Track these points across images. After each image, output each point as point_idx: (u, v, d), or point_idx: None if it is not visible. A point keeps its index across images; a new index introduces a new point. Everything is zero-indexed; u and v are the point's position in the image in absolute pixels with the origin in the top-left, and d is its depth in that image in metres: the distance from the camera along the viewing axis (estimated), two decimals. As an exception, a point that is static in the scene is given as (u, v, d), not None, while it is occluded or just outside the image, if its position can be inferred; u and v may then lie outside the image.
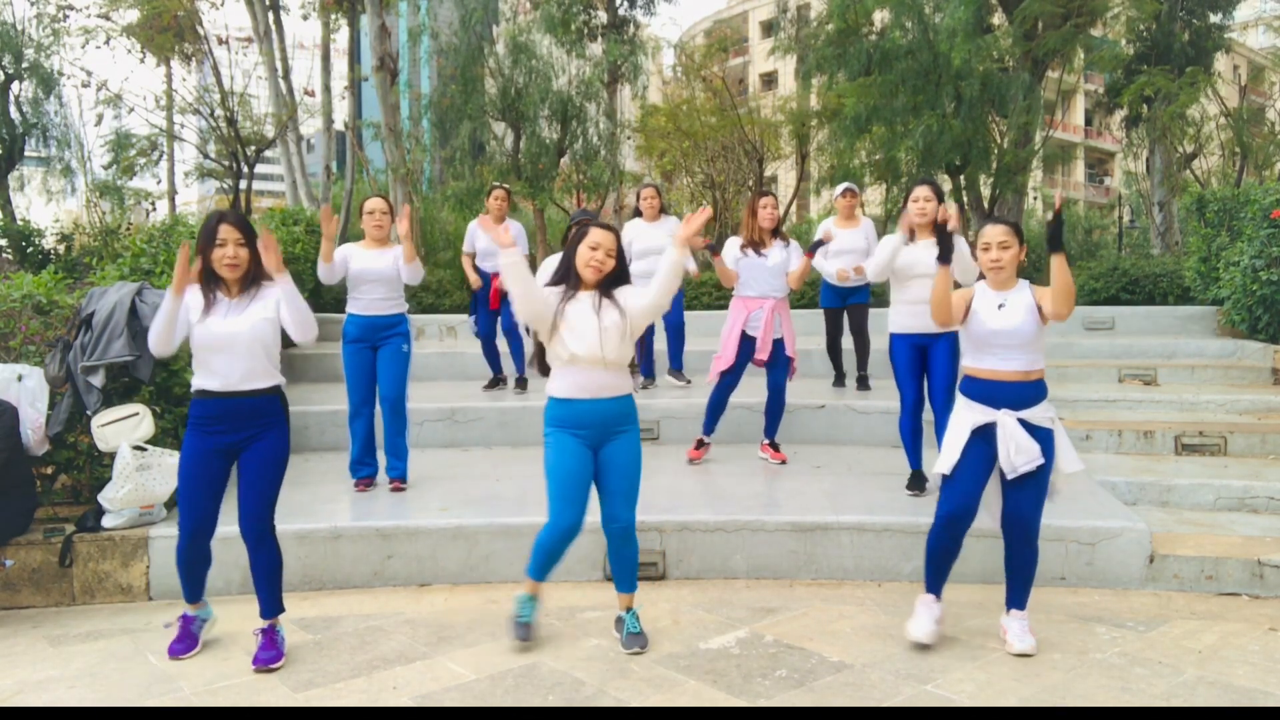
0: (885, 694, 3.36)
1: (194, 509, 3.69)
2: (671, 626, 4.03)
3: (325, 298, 9.91)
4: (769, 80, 38.36)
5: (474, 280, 7.51)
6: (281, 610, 3.81)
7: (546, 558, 3.75)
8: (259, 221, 11.35)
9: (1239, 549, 4.53)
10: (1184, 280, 10.13)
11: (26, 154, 17.77)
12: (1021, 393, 3.73)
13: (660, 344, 7.66)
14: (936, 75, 12.03)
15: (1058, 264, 3.63)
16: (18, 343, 4.97)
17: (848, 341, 7.57)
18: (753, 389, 6.09)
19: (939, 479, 3.83)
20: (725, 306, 10.24)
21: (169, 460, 4.69)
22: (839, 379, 7.49)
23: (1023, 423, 3.70)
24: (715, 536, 4.69)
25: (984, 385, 3.77)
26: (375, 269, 5.38)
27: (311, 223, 10.33)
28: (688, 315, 7.91)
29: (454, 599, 4.46)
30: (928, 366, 5.14)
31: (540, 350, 3.74)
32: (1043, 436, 3.71)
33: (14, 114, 16.82)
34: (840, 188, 7.65)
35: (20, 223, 14.70)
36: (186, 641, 3.84)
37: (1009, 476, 3.70)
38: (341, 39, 17.92)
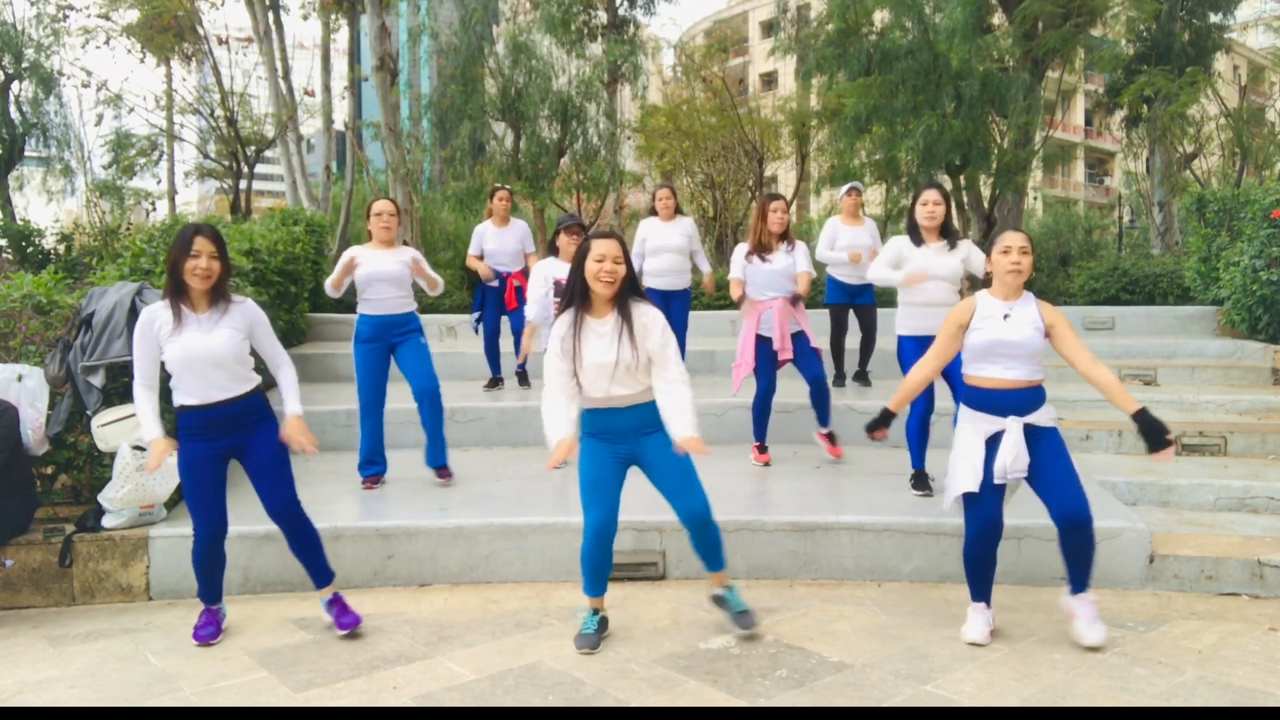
0: (885, 694, 3.36)
1: (208, 512, 3.83)
2: (671, 626, 4.03)
3: (325, 298, 9.88)
4: (769, 80, 38.36)
5: (485, 271, 7.50)
6: (334, 574, 4.08)
7: (592, 568, 3.79)
8: (259, 221, 11.37)
9: (1239, 549, 4.53)
10: (1184, 280, 10.13)
11: (26, 154, 17.77)
12: (1025, 399, 3.76)
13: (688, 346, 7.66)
14: (936, 75, 12.02)
15: (1124, 406, 3.83)
16: (18, 343, 4.97)
17: (851, 341, 7.58)
18: (749, 390, 6.08)
19: (957, 494, 3.80)
20: (724, 307, 10.28)
21: (169, 460, 4.66)
22: (839, 378, 7.49)
23: (1029, 426, 3.74)
24: (715, 536, 4.68)
25: (988, 395, 3.79)
26: (384, 270, 5.42)
27: (311, 222, 10.33)
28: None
29: (454, 599, 4.46)
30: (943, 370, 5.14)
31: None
32: (1050, 435, 3.77)
33: (14, 114, 16.82)
34: (845, 187, 7.68)
35: (20, 223, 14.70)
36: (212, 627, 3.95)
37: (996, 481, 3.71)
38: (341, 39, 17.92)
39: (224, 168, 17.83)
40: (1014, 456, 3.68)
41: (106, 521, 4.65)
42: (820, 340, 6.13)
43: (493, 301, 7.57)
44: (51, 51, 16.93)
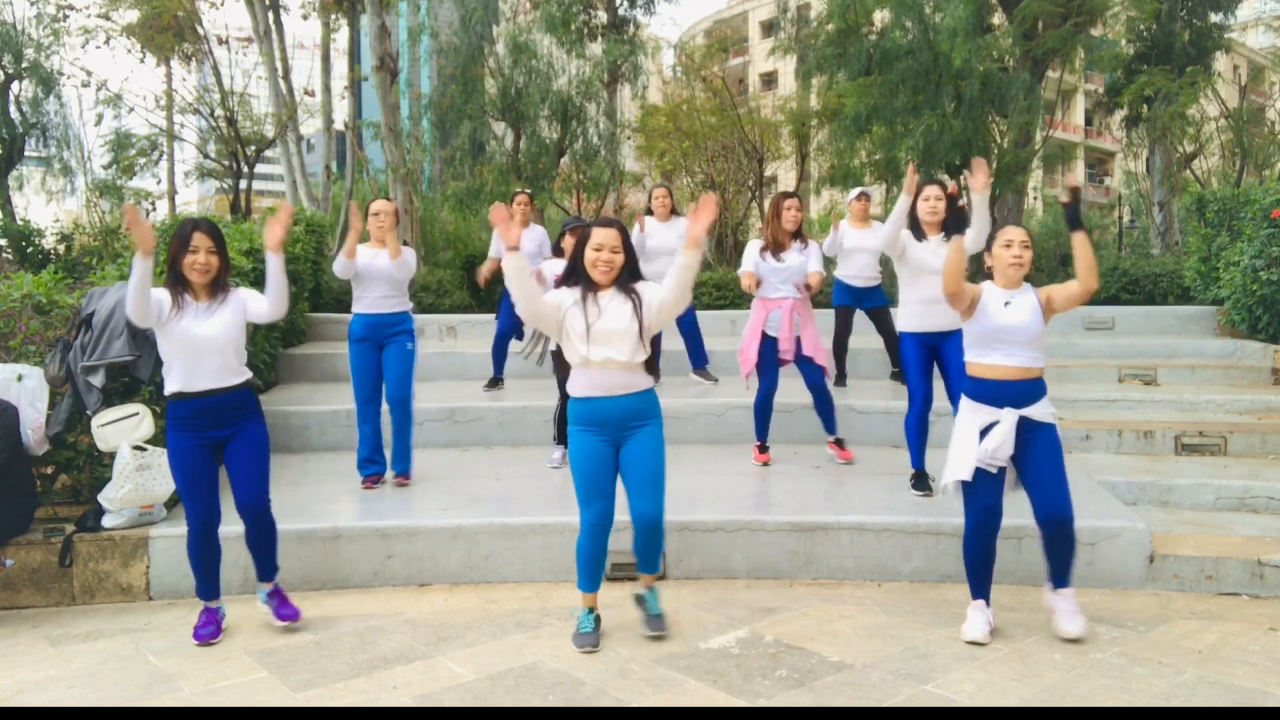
0: (885, 694, 3.36)
1: (200, 502, 3.87)
2: (671, 626, 4.03)
3: (325, 297, 9.91)
4: (769, 80, 38.34)
5: (484, 272, 7.58)
6: (278, 569, 4.16)
7: (588, 561, 3.79)
8: (260, 221, 11.36)
9: (1239, 549, 4.53)
10: (1184, 280, 10.12)
11: (26, 154, 17.78)
12: (1024, 390, 3.82)
13: (678, 344, 7.64)
14: (936, 75, 12.01)
15: (1080, 241, 3.78)
16: (18, 343, 4.97)
17: (855, 342, 7.59)
18: (749, 389, 6.08)
19: (957, 486, 3.86)
20: (725, 306, 10.28)
21: (168, 461, 4.68)
22: (841, 378, 7.49)
23: (1026, 419, 3.78)
24: (715, 536, 4.68)
25: (988, 385, 3.85)
26: (378, 267, 5.45)
27: (312, 222, 10.32)
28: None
29: (454, 599, 4.46)
30: (941, 365, 5.17)
31: (554, 355, 3.77)
32: (1047, 431, 3.82)
33: (14, 114, 16.82)
34: (855, 191, 7.71)
35: (20, 223, 14.70)
36: (212, 627, 3.97)
37: (976, 463, 3.77)
38: (341, 39, 17.89)
39: (224, 168, 17.82)
40: (997, 444, 3.75)
41: (106, 521, 4.65)
42: (826, 342, 6.14)
43: (509, 305, 7.57)
44: (51, 51, 16.94)
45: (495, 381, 7.65)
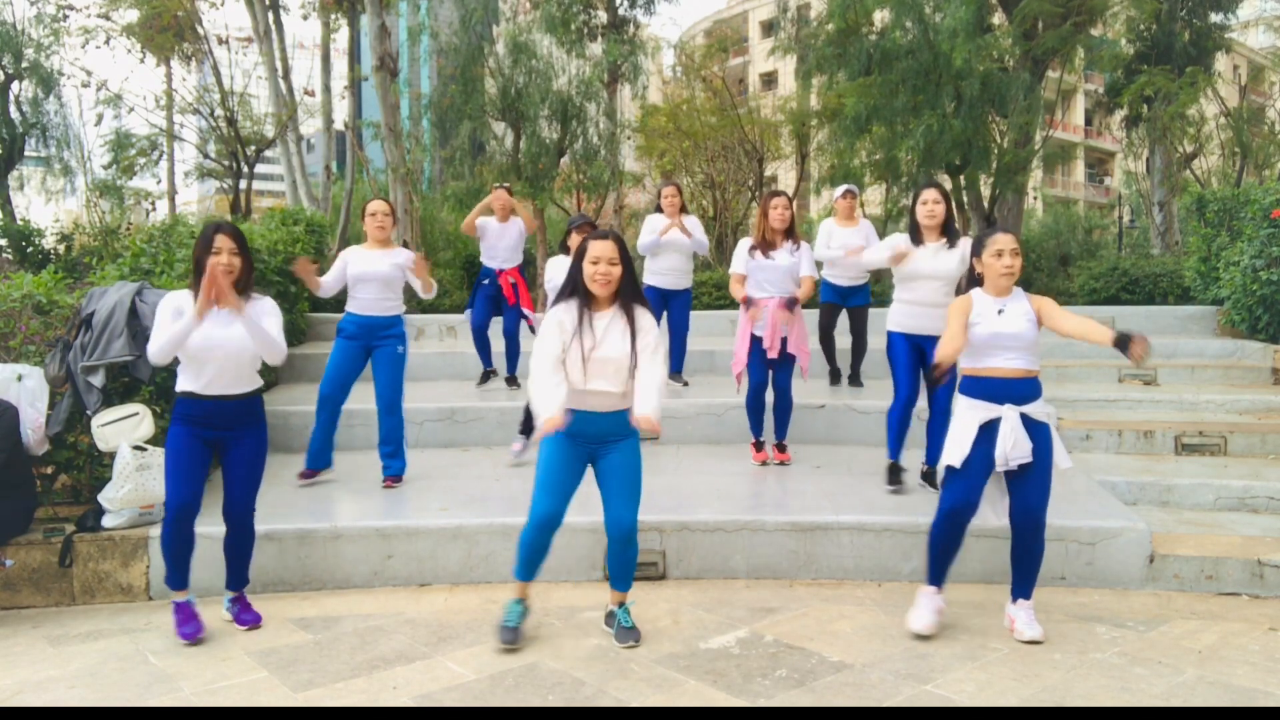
0: (885, 694, 3.36)
1: (182, 491, 3.87)
2: (671, 626, 4.03)
3: (325, 298, 9.86)
4: (769, 80, 38.35)
5: (479, 210, 7.62)
6: (249, 582, 4.21)
7: (528, 552, 3.77)
8: (259, 221, 11.36)
9: (1239, 549, 4.53)
10: (1184, 280, 10.12)
11: (26, 154, 17.77)
12: (1023, 389, 3.85)
13: (693, 345, 7.65)
14: (937, 75, 12.02)
15: (1102, 339, 3.71)
16: (18, 343, 4.97)
17: (843, 340, 7.59)
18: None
19: (945, 472, 3.90)
20: (724, 306, 10.28)
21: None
22: (835, 375, 7.50)
23: (1023, 417, 3.80)
24: (715, 536, 4.69)
25: (988, 383, 3.87)
26: (375, 270, 5.44)
27: (311, 222, 10.32)
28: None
29: (454, 599, 4.46)
30: (926, 366, 5.17)
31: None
32: (1042, 431, 3.84)
33: (14, 114, 16.82)
34: (840, 189, 7.70)
35: (20, 223, 14.70)
36: (194, 624, 3.96)
37: (999, 469, 3.81)
38: (341, 39, 17.90)
39: (224, 168, 17.82)
40: (1013, 443, 3.76)
41: (106, 521, 4.65)
42: (814, 342, 6.15)
43: (486, 297, 7.59)
44: (51, 51, 16.93)
45: (487, 375, 7.64)
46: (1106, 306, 9.67)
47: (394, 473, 5.53)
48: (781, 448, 5.99)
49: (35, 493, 4.74)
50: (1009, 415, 3.79)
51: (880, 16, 13.14)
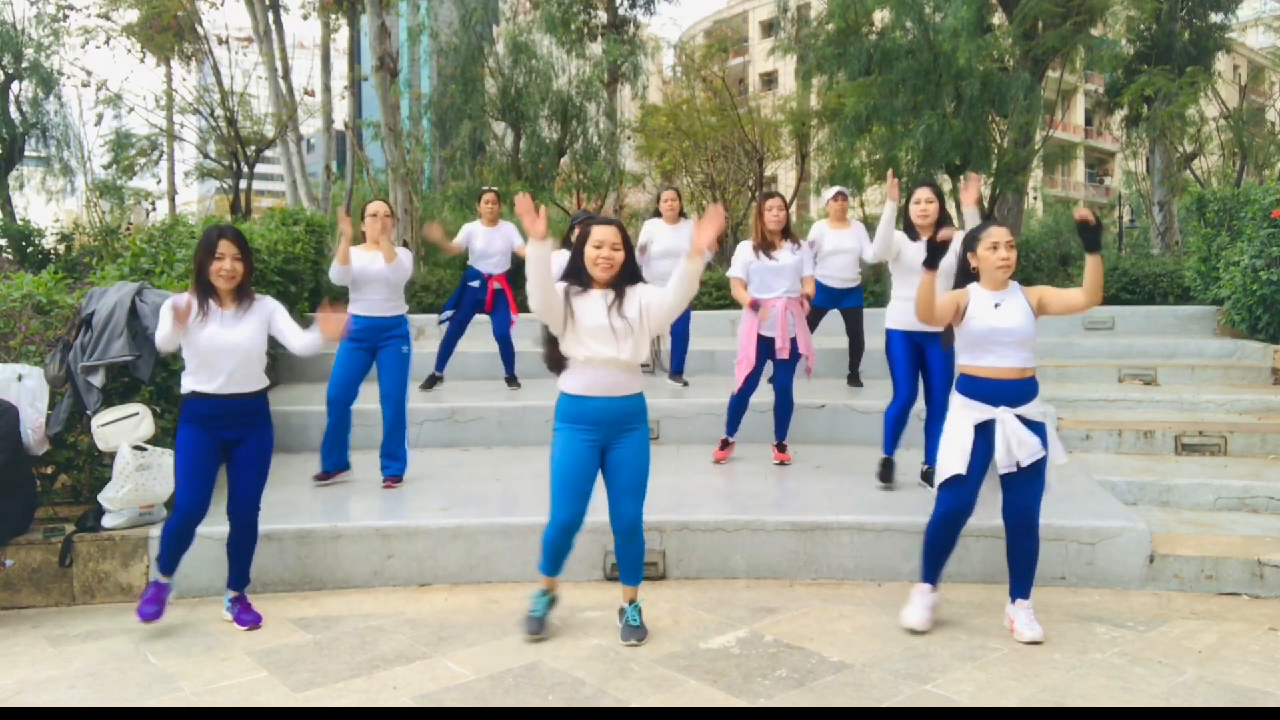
0: (885, 694, 3.36)
1: (193, 493, 3.93)
2: (671, 626, 4.03)
3: (325, 297, 9.86)
4: (769, 80, 38.35)
5: (453, 248, 7.52)
6: (250, 581, 4.25)
7: (553, 551, 3.82)
8: (259, 221, 11.36)
9: (1239, 549, 4.53)
10: (1184, 280, 10.12)
11: (26, 154, 17.78)
12: (1019, 389, 3.83)
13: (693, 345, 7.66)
14: (937, 75, 12.02)
15: (1094, 263, 3.75)
16: (18, 343, 4.96)
17: (841, 342, 7.60)
18: (762, 389, 6.09)
19: (945, 477, 3.86)
20: (724, 307, 10.27)
21: (169, 460, 4.68)
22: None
23: (1020, 418, 3.80)
24: (715, 536, 4.68)
25: (983, 383, 3.85)
26: (375, 270, 5.44)
27: (311, 222, 10.32)
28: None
29: (454, 599, 4.46)
30: (925, 365, 5.18)
31: (550, 347, 3.76)
32: (1038, 430, 3.84)
33: (14, 114, 16.83)
34: (831, 191, 7.73)
35: (20, 223, 14.71)
36: (158, 605, 4.02)
37: (1003, 471, 3.79)
38: (341, 39, 17.91)
39: (224, 168, 17.83)
40: (1017, 443, 3.75)
41: (106, 521, 4.65)
42: (817, 341, 6.15)
43: (470, 302, 7.54)
44: (51, 51, 16.95)
45: (433, 379, 7.50)
46: (1107, 306, 9.66)
47: (394, 473, 5.52)
48: (781, 447, 5.99)
49: (35, 493, 4.74)
50: (1004, 418, 3.77)
51: (880, 16, 13.14)
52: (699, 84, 18.46)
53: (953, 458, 3.82)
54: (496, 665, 3.63)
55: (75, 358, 4.78)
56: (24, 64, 16.56)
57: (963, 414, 3.87)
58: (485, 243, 7.52)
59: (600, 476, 3.80)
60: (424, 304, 11.27)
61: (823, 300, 7.40)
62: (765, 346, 5.75)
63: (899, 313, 5.20)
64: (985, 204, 13.56)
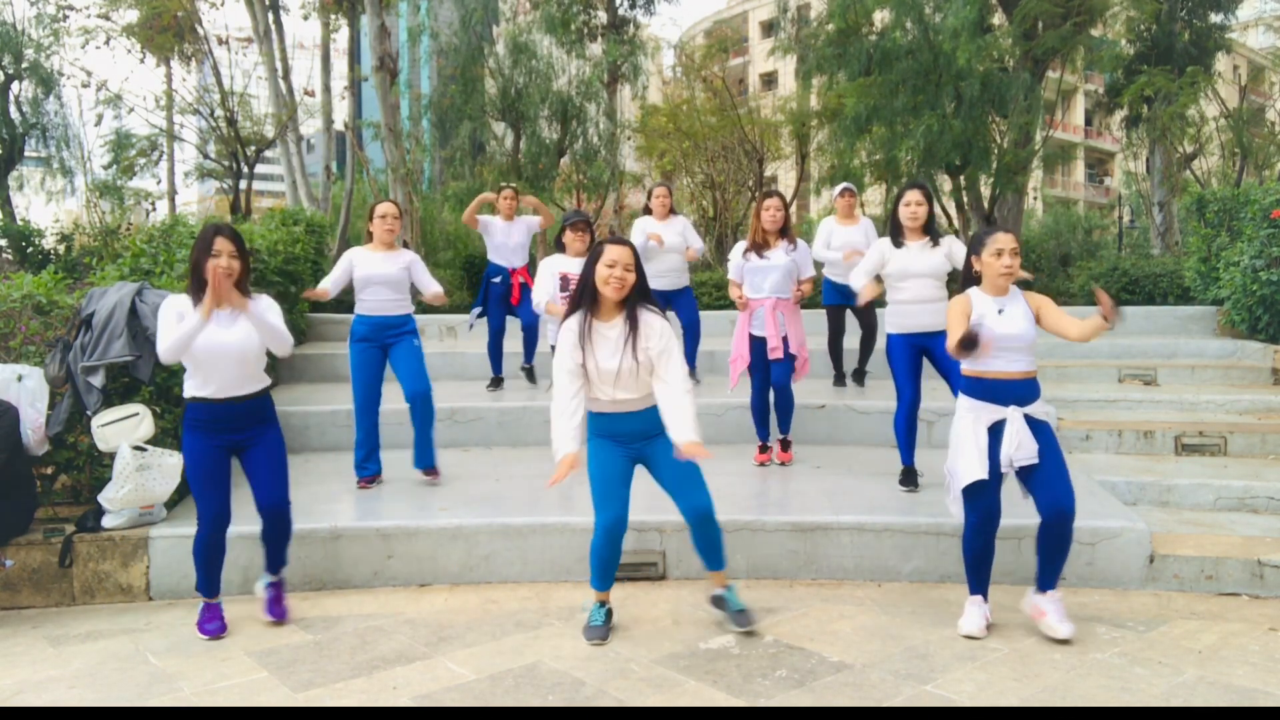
0: (885, 694, 3.36)
1: (214, 501, 3.93)
2: (671, 626, 4.03)
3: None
4: (769, 80, 38.35)
5: (476, 203, 7.58)
6: (287, 563, 4.28)
7: (601, 563, 3.84)
8: (259, 221, 11.36)
9: (1239, 549, 4.53)
10: (1184, 280, 10.12)
11: (26, 154, 17.77)
12: (1025, 389, 3.86)
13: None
14: (937, 75, 12.02)
15: (1102, 326, 3.74)
16: (18, 343, 4.96)
17: (851, 341, 7.58)
18: (746, 388, 6.08)
19: (968, 482, 3.85)
20: (724, 307, 10.28)
21: (169, 460, 4.69)
22: (839, 378, 7.49)
23: (1026, 417, 3.82)
24: (715, 536, 4.68)
25: (991, 385, 3.88)
26: (382, 272, 5.43)
27: (311, 222, 10.33)
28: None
29: (454, 599, 4.46)
30: (935, 364, 5.18)
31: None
32: (1044, 429, 3.86)
33: (14, 114, 16.82)
34: (839, 187, 7.70)
35: (20, 223, 14.71)
36: (218, 621, 4.02)
37: (1003, 470, 3.81)
38: (341, 39, 17.91)
39: (224, 168, 17.82)
40: (1018, 444, 3.77)
41: (106, 521, 4.65)
42: (816, 340, 6.14)
43: (497, 299, 7.57)
44: (51, 51, 16.94)
45: (496, 381, 7.66)
46: (1106, 307, 9.65)
47: (430, 465, 5.54)
48: (785, 445, 5.98)
49: (35, 493, 4.74)
50: (1014, 416, 3.79)
51: (880, 16, 13.13)
52: (699, 84, 18.46)
53: (971, 464, 3.81)
54: (496, 665, 3.63)
55: (75, 358, 4.78)
56: (24, 64, 16.55)
57: (973, 417, 3.88)
58: (504, 235, 7.56)
59: (585, 483, 3.83)
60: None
61: (836, 298, 7.38)
62: (760, 345, 5.75)
63: (896, 316, 5.21)
64: (986, 204, 13.58)
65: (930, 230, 5.17)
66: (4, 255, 13.68)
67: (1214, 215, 9.43)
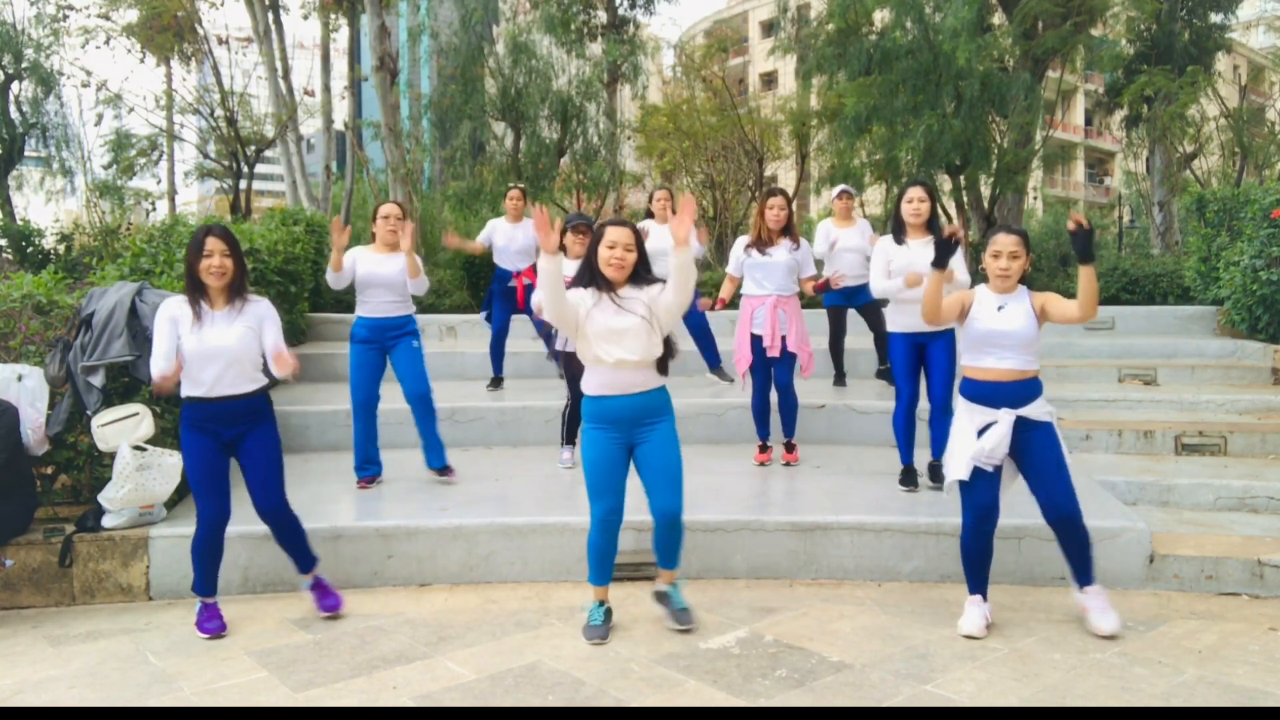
0: (885, 694, 3.36)
1: (213, 500, 3.94)
2: (672, 626, 4.03)
3: (326, 298, 9.91)
4: (769, 80, 38.33)
5: (475, 247, 7.61)
6: (317, 559, 4.25)
7: (598, 555, 3.87)
8: (259, 221, 11.36)
9: (1239, 549, 4.53)
10: (1184, 280, 10.12)
11: (26, 154, 17.77)
12: (1019, 391, 3.86)
13: (687, 345, 7.65)
14: (937, 75, 12.01)
15: (1087, 274, 3.79)
16: (18, 343, 4.96)
17: (851, 342, 7.59)
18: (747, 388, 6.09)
19: (955, 486, 3.91)
20: (725, 306, 10.27)
21: (169, 460, 4.69)
22: (840, 378, 7.49)
23: (1023, 419, 3.82)
24: (715, 536, 4.68)
25: (983, 386, 3.89)
26: (382, 274, 5.42)
27: (311, 222, 10.32)
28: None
29: (454, 599, 4.46)
30: (926, 365, 5.18)
31: (567, 355, 3.85)
32: (1045, 430, 3.86)
33: (14, 114, 16.82)
34: (837, 189, 7.73)
35: (20, 223, 14.70)
36: (218, 620, 4.02)
37: (978, 464, 3.81)
38: (341, 39, 17.91)
39: (224, 168, 17.82)
40: (994, 445, 3.79)
41: (106, 521, 4.65)
42: (817, 340, 6.14)
43: (501, 300, 7.58)
44: (51, 51, 16.93)
45: (496, 381, 7.65)
46: (1107, 307, 9.66)
47: (442, 464, 5.56)
48: (790, 447, 5.97)
49: (35, 493, 4.74)
50: (1004, 420, 3.81)
51: (880, 16, 13.13)
52: (699, 84, 18.46)
53: (957, 463, 3.86)
54: (496, 665, 3.63)
55: (75, 358, 4.78)
56: (24, 64, 16.55)
57: (966, 419, 3.91)
58: (508, 239, 7.56)
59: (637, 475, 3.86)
60: (424, 304, 11.25)
61: (838, 299, 7.40)
62: (759, 344, 5.74)
63: (898, 315, 5.20)
64: (986, 204, 13.57)
65: (933, 228, 5.15)
66: (4, 255, 13.67)
67: (1214, 215, 9.43)
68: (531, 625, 4.07)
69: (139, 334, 4.83)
